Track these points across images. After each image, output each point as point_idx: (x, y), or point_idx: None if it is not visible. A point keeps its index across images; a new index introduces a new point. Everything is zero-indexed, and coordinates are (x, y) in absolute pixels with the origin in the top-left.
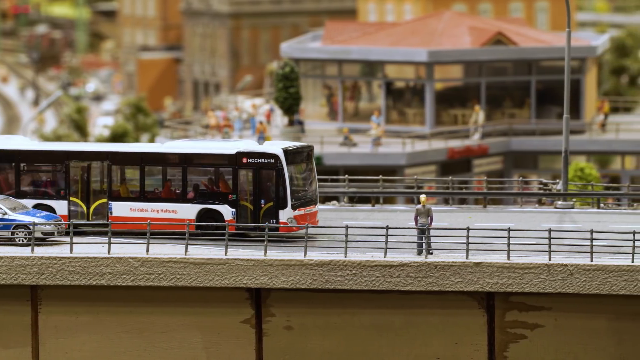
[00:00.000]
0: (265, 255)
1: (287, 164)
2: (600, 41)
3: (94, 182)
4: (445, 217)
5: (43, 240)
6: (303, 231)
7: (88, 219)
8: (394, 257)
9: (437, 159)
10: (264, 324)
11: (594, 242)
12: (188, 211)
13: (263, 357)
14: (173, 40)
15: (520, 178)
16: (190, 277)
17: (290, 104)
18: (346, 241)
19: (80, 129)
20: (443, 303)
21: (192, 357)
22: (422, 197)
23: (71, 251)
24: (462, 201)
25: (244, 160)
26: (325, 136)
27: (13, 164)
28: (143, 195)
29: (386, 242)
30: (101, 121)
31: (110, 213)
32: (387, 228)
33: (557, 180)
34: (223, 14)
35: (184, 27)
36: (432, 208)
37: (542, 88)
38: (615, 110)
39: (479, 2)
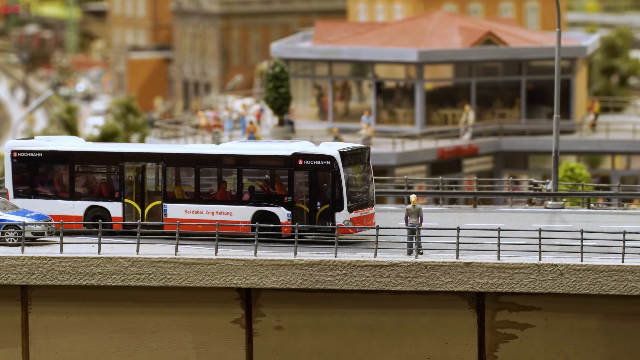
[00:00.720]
0: (255, 255)
1: (344, 165)
2: (591, 41)
3: (148, 184)
4: (435, 217)
5: (33, 240)
6: (359, 233)
7: (142, 221)
8: (384, 257)
9: (427, 159)
10: (254, 324)
11: (584, 242)
12: (243, 213)
13: (253, 357)
14: (163, 40)
15: (511, 178)
16: (181, 277)
17: (280, 104)
18: (335, 242)
19: (71, 129)
20: (433, 303)
21: (183, 357)
22: (412, 197)
23: (61, 251)
24: (453, 201)
25: (300, 161)
26: (315, 136)
27: (67, 165)
28: (198, 197)
29: (376, 242)
30: (91, 121)
31: (165, 215)
32: (377, 228)
33: (548, 180)
34: (213, 14)
35: (174, 27)
36: (423, 208)
37: (532, 88)
38: (605, 110)
39: (469, 2)
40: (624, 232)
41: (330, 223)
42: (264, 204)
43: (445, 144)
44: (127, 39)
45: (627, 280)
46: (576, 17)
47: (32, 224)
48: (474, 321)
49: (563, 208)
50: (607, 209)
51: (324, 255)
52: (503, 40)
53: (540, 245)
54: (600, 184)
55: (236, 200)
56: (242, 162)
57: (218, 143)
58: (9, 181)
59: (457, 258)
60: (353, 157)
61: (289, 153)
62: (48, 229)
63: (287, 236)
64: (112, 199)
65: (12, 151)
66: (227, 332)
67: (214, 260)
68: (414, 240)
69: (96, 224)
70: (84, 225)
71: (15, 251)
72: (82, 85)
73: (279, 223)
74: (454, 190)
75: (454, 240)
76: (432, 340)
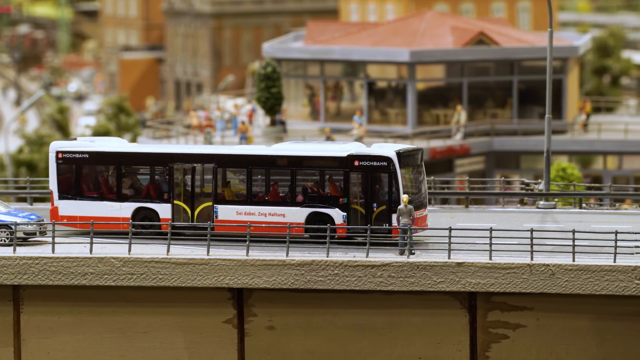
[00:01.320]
0: (247, 255)
1: (400, 166)
2: (582, 41)
3: (198, 185)
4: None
5: (25, 240)
6: (422, 234)
7: (192, 223)
8: (376, 257)
9: None
10: (246, 324)
11: (576, 242)
12: (297, 215)
13: (245, 357)
14: (155, 40)
15: (502, 178)
16: (173, 277)
17: (272, 104)
18: (327, 243)
19: (62, 129)
20: (425, 303)
21: (174, 357)
22: (404, 196)
23: (53, 251)
24: (444, 201)
25: (356, 162)
26: (307, 136)
27: (115, 166)
28: (250, 199)
29: (368, 242)
30: (83, 121)
31: (216, 216)
32: (369, 228)
33: (539, 180)
34: (205, 14)
35: (166, 27)
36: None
37: (524, 88)
38: (597, 110)
39: (461, 2)
40: (616, 232)
41: (387, 224)
42: (318, 205)
43: (437, 144)
44: (119, 39)
45: (619, 280)
46: (568, 17)
47: (24, 224)
48: (465, 321)
49: (555, 208)
50: (599, 209)
51: (316, 255)
52: (495, 40)
53: (532, 245)
54: (592, 184)
55: (290, 201)
56: (295, 163)
57: (210, 143)
58: (53, 182)
59: (449, 258)
60: (409, 158)
61: (344, 154)
62: (40, 229)
63: (342, 238)
64: (161, 200)
65: (57, 152)
66: (218, 332)
67: (205, 260)
68: (406, 241)
69: (145, 224)
70: (132, 226)
71: (7, 251)
72: (74, 85)
73: (334, 224)
74: (446, 190)
75: (446, 240)
76: (424, 340)
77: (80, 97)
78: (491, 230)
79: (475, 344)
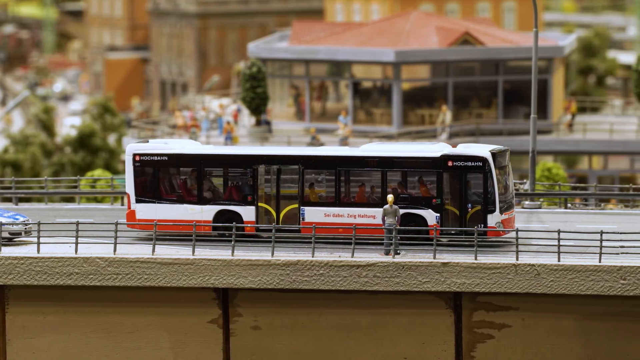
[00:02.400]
0: (232, 255)
1: (495, 166)
2: (568, 41)
3: (284, 187)
4: None
5: (10, 241)
6: (509, 236)
7: (278, 225)
8: (361, 257)
9: None
10: (232, 324)
11: (561, 242)
12: None
13: (230, 357)
14: (140, 40)
15: None
16: (158, 277)
17: (257, 104)
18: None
19: (48, 129)
20: (410, 303)
21: (160, 357)
22: (390, 197)
23: (38, 251)
24: None
25: (450, 163)
26: (292, 136)
27: (195, 168)
28: (338, 200)
29: (353, 242)
30: (68, 121)
31: (303, 219)
32: (355, 227)
33: (525, 180)
34: (190, 14)
35: (151, 27)
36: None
37: (509, 88)
38: (582, 110)
39: (446, 2)
40: (601, 232)
41: (482, 225)
42: (410, 206)
43: None
44: (104, 39)
45: (604, 280)
46: (553, 17)
47: (9, 224)
48: (451, 321)
49: (540, 208)
50: (584, 209)
51: (301, 255)
52: (480, 40)
53: (517, 245)
54: (577, 184)
55: (380, 202)
56: (386, 164)
57: None
58: (130, 185)
59: (434, 258)
60: (501, 158)
61: (438, 154)
62: (25, 228)
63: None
64: (245, 202)
65: (134, 155)
66: (204, 332)
67: (191, 260)
68: (391, 240)
69: (229, 226)
70: (213, 229)
71: None
72: (59, 85)
73: (427, 225)
74: None
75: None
76: (409, 340)
77: (65, 97)
78: (476, 230)
79: (460, 344)
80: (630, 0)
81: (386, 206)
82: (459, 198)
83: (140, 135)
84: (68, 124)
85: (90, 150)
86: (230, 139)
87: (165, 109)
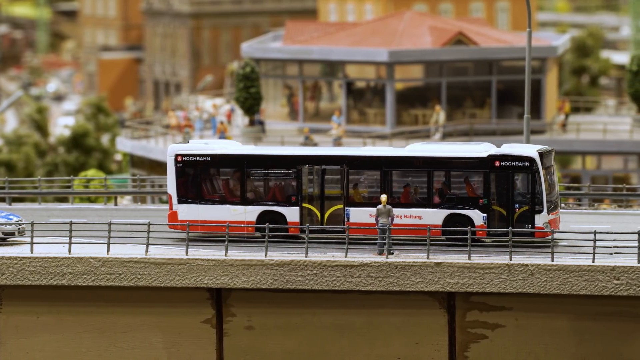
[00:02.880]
0: (225, 255)
1: (542, 166)
2: (561, 41)
3: (328, 188)
4: None
5: (4, 240)
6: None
7: (322, 226)
8: (354, 257)
9: None
10: (225, 324)
11: (555, 242)
12: (434, 217)
13: (224, 357)
14: (134, 40)
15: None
16: (151, 277)
17: (251, 104)
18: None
19: (41, 129)
20: (404, 303)
21: (153, 357)
22: (383, 197)
23: (32, 251)
24: None
25: (497, 163)
26: (285, 136)
27: (238, 169)
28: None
29: (347, 242)
30: (62, 121)
31: (347, 219)
32: (347, 228)
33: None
34: (184, 14)
35: (144, 27)
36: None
37: (502, 88)
38: (576, 110)
39: (439, 2)
40: (595, 232)
41: (529, 226)
42: (456, 206)
43: None
44: (97, 39)
45: (598, 280)
46: (547, 17)
47: (3, 224)
48: (444, 321)
49: None
50: (578, 209)
51: (295, 255)
52: (473, 40)
53: (510, 245)
54: (571, 184)
55: (426, 203)
56: (432, 164)
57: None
58: (172, 186)
59: (427, 258)
60: (547, 158)
61: (485, 154)
62: (19, 228)
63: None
64: (289, 203)
65: (176, 155)
66: (197, 332)
67: (184, 260)
68: (385, 240)
69: (272, 227)
70: (256, 229)
71: None
72: (52, 85)
73: (474, 226)
74: None
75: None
76: (402, 340)
77: (59, 97)
78: (470, 230)
79: (454, 344)
80: (623, 0)
81: (379, 206)
82: (506, 198)
83: (133, 135)
84: (61, 124)
85: (84, 150)
86: (223, 139)
87: (159, 109)
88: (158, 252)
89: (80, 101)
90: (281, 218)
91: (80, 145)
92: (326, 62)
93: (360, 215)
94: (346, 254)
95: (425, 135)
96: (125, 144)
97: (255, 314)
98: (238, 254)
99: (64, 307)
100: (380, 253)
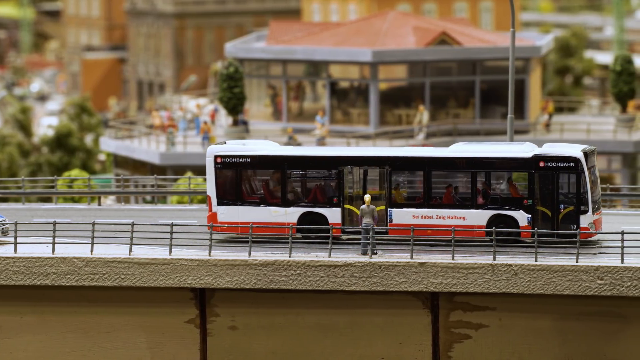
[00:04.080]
0: (209, 255)
1: (586, 166)
2: (545, 41)
3: (371, 189)
4: None
5: None
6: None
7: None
8: (338, 257)
9: None
10: (209, 324)
11: (539, 242)
12: (478, 217)
13: (207, 357)
14: (117, 40)
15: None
16: (135, 277)
17: (234, 104)
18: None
19: (25, 129)
20: (387, 303)
21: (137, 357)
22: (367, 197)
23: (15, 251)
24: None
25: (541, 163)
26: (269, 136)
27: (279, 170)
28: (427, 202)
29: (330, 242)
30: (45, 121)
31: (390, 220)
32: (331, 228)
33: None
34: (167, 14)
35: (128, 27)
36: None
37: (486, 88)
38: (559, 110)
39: (423, 2)
40: (578, 232)
41: (575, 226)
42: (500, 207)
43: (400, 144)
44: (81, 38)
45: (581, 280)
46: (530, 17)
47: None
48: (428, 321)
49: None
50: None
51: (278, 255)
52: (457, 40)
53: (494, 245)
54: None
55: (470, 204)
56: (476, 164)
57: (172, 143)
58: (211, 188)
59: (411, 258)
60: (591, 158)
61: (529, 155)
62: (2, 228)
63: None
64: (330, 204)
65: (216, 157)
66: (181, 332)
67: (168, 260)
68: (368, 240)
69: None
70: (298, 231)
71: None
72: (36, 85)
73: (518, 227)
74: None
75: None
76: (386, 340)
77: (42, 97)
78: (453, 229)
79: (437, 344)
80: (607, 1)
81: (363, 206)
82: (551, 199)
83: (117, 135)
84: (45, 124)
85: (68, 150)
86: (207, 139)
87: (143, 109)
88: (142, 252)
89: (63, 101)
90: (322, 219)
91: (64, 145)
92: (310, 62)
93: (403, 216)
94: (330, 254)
95: (409, 136)
96: (109, 144)
97: (239, 314)
98: (222, 254)
99: (48, 307)
100: (364, 253)
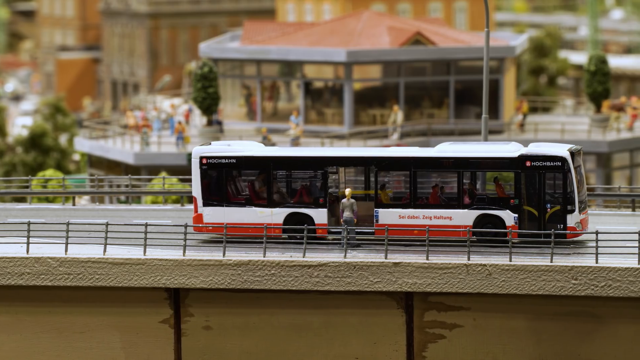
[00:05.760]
0: (184, 255)
1: (573, 166)
2: (519, 41)
3: (357, 189)
4: None
5: None
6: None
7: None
8: (312, 257)
9: None
10: (183, 324)
11: (513, 242)
12: (465, 217)
13: (182, 357)
14: (92, 40)
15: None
16: (109, 277)
17: (208, 104)
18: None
19: None
20: (362, 303)
21: (111, 357)
22: (347, 190)
23: None
24: None
25: (528, 163)
26: (243, 136)
27: (265, 171)
28: (413, 202)
29: (305, 242)
30: (20, 121)
31: (376, 220)
32: (306, 228)
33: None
34: (142, 14)
35: (102, 27)
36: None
37: (460, 88)
38: (533, 110)
39: (397, 2)
40: (552, 232)
41: (561, 226)
42: (487, 207)
43: (374, 144)
44: (55, 38)
45: (556, 280)
46: (505, 17)
47: None
48: (402, 321)
49: None
50: None
51: (253, 255)
52: (432, 40)
53: (469, 245)
54: None
55: (456, 204)
56: (463, 164)
57: (147, 144)
58: (197, 189)
59: (385, 258)
60: (577, 158)
61: (516, 154)
62: None
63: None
64: (316, 205)
65: (201, 157)
66: (155, 332)
67: (142, 260)
68: (347, 234)
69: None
70: (284, 231)
71: None
72: (10, 85)
73: (505, 227)
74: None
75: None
76: (360, 340)
77: (17, 97)
78: (428, 229)
79: (412, 344)
80: (581, 1)
81: (344, 200)
82: (538, 198)
83: (91, 135)
84: (19, 124)
85: (42, 150)
86: (181, 139)
87: (117, 109)
88: (116, 252)
89: (38, 101)
90: (308, 220)
91: (38, 145)
92: (284, 62)
93: (389, 216)
94: (304, 254)
95: (383, 136)
96: (83, 144)
97: (213, 314)
98: (196, 254)
99: (22, 307)
100: (353, 246)
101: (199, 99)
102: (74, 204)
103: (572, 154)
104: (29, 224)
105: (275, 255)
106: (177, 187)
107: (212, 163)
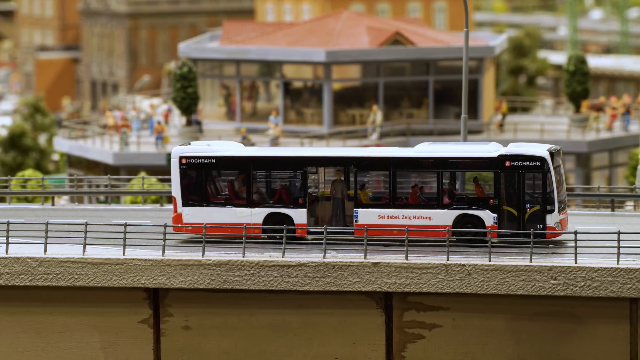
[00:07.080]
0: (163, 255)
1: (552, 166)
2: (498, 41)
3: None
4: None
5: None
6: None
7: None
8: (291, 257)
9: None
10: (162, 324)
11: (492, 242)
12: (444, 217)
13: (161, 357)
14: (71, 40)
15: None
16: (88, 277)
17: (188, 104)
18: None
19: None
20: (341, 303)
21: (90, 357)
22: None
23: None
24: None
25: (507, 163)
26: (223, 136)
27: (244, 171)
28: (393, 202)
29: (284, 242)
30: None
31: (356, 220)
32: (285, 228)
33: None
34: (121, 14)
35: (82, 27)
36: None
37: (440, 88)
38: (513, 110)
39: (377, 2)
40: (532, 232)
41: (541, 226)
42: (466, 207)
43: (353, 144)
44: (34, 38)
45: (535, 280)
46: (484, 17)
47: None
48: (381, 321)
49: None
50: None
51: (232, 255)
52: (411, 40)
53: (448, 245)
54: None
55: (436, 204)
56: (442, 164)
57: (126, 144)
58: (176, 189)
59: (365, 258)
60: (557, 158)
61: (495, 154)
62: None
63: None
64: (296, 205)
65: (181, 157)
66: (134, 332)
67: (121, 260)
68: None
69: (280, 229)
70: (263, 231)
71: None
72: None
73: (484, 227)
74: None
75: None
76: (339, 340)
77: None
78: (407, 229)
79: (391, 344)
80: (560, 1)
81: None
82: (517, 198)
83: (70, 135)
84: None
85: (21, 150)
86: (161, 139)
87: (96, 109)
88: (95, 252)
89: (17, 101)
90: (288, 220)
91: (18, 145)
92: (263, 62)
93: (368, 216)
94: (283, 254)
95: (363, 136)
96: (63, 144)
97: (193, 314)
98: (175, 254)
99: (1, 307)
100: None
101: (178, 99)
102: (53, 204)
103: (552, 154)
104: (8, 224)
105: (255, 255)
106: (157, 187)
107: (191, 163)
